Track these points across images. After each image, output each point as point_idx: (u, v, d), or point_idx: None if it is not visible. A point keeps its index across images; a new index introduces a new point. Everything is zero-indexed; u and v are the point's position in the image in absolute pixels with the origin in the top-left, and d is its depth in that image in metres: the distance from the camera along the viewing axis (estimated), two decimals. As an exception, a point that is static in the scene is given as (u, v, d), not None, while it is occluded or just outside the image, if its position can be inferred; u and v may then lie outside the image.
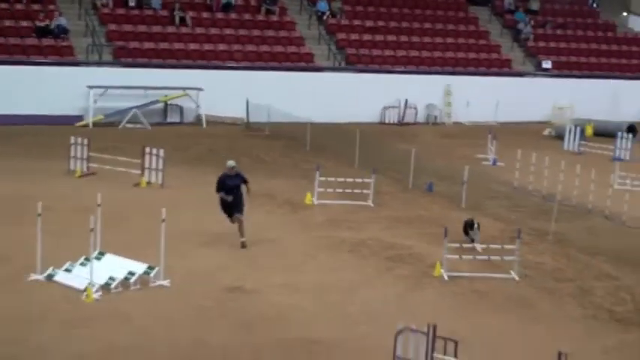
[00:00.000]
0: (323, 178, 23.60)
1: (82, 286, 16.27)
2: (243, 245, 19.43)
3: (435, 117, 39.06)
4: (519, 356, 14.26)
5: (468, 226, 20.47)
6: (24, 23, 34.94)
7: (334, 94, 36.18)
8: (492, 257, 18.62)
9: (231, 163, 19.65)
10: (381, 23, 41.35)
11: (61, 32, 34.96)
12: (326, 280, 17.82)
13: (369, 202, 23.62)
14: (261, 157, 29.44)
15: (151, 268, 16.94)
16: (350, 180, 23.85)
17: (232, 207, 19.46)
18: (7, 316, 15.05)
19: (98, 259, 17.01)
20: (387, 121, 38.11)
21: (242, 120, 34.74)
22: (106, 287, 16.37)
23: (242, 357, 14.07)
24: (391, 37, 40.79)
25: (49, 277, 16.76)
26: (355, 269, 18.67)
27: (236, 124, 34.61)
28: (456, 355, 13.15)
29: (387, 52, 40.12)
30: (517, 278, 18.06)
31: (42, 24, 34.81)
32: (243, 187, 19.82)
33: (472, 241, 20.23)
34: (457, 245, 18.66)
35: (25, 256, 17.00)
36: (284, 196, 24.08)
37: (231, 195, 19.40)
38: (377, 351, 13.86)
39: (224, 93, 34.24)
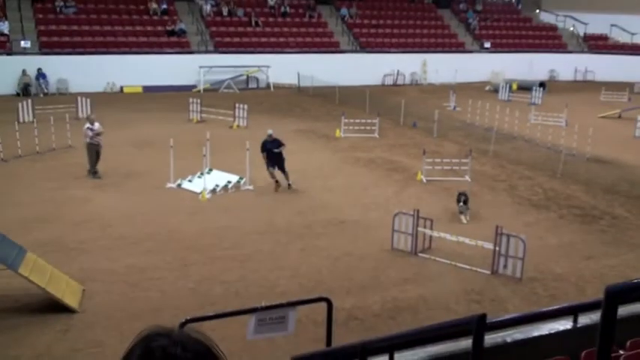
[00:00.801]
0: (347, 120, 23.37)
1: (198, 190, 16.34)
2: (290, 187, 16.77)
3: (417, 80, 38.37)
4: (472, 229, 14.16)
5: (462, 200, 14.99)
6: (159, 28, 34.61)
7: (352, 67, 35.63)
8: (454, 167, 18.43)
9: (269, 131, 17.06)
10: (381, 21, 40.52)
11: (182, 33, 34.62)
12: (349, 183, 17.77)
13: (376, 135, 23.38)
14: (307, 108, 29.19)
15: (241, 178, 16.94)
16: (363, 121, 23.63)
17: (274, 164, 16.72)
18: (155, 209, 15.22)
19: (208, 173, 17.05)
20: (385, 84, 37.52)
21: (295, 85, 34.35)
22: (213, 191, 16.42)
23: (298, 230, 14.12)
24: (388, 30, 40.01)
25: (178, 185, 16.84)
26: (367, 176, 18.60)
27: (291, 88, 34.24)
28: (431, 228, 13.10)
29: (386, 40, 39.37)
30: (469, 180, 17.88)
31: (170, 28, 34.48)
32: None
33: (460, 213, 14.96)
34: (431, 160, 18.44)
35: (163, 172, 17.08)
36: (322, 132, 23.93)
37: (272, 156, 16.67)
38: (383, 227, 13.84)
39: (284, 68, 33.85)
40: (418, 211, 12.89)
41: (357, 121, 23.54)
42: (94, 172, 17.37)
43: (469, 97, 29.15)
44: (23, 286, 10.22)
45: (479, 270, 12.10)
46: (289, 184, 16.88)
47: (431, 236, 13.04)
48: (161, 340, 1.73)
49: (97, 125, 17.50)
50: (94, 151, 17.38)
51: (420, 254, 12.81)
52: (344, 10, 39.97)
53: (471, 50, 41.05)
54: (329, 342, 7.08)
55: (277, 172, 16.69)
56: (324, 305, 7.65)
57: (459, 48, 40.66)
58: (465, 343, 4.39)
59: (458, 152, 20.66)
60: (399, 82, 37.93)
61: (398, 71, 37.88)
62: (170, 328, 1.78)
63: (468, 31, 42.47)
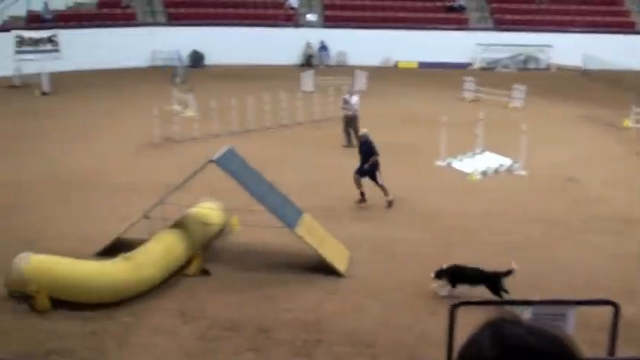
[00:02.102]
0: (638, 109, 21.30)
1: (468, 171, 16.22)
2: (389, 204, 13.82)
3: None
4: None
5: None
6: (438, 3, 34.75)
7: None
8: None
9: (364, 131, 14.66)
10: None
11: (461, 9, 34.42)
12: (634, 178, 16.29)
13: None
14: (591, 93, 27.20)
15: (515, 161, 16.46)
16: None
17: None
18: (422, 185, 15.40)
19: (480, 154, 16.83)
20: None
21: (580, 68, 32.29)
22: (484, 173, 16.18)
23: (573, 223, 13.36)
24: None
25: (448, 164, 16.85)
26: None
27: (575, 70, 32.24)
28: None
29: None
30: None
31: (449, 4, 34.48)
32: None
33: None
34: None
35: (433, 149, 17.18)
36: (607, 120, 22.07)
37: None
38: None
39: (567, 49, 31.88)
40: None
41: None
42: (347, 145, 17.97)
43: None
44: (299, 246, 11.05)
45: None
46: (388, 201, 13.83)
47: None
48: (515, 328, 1.71)
49: (354, 99, 18.20)
50: (346, 123, 18.12)
51: None
52: (645, -14, 36.53)
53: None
54: (612, 351, 6.59)
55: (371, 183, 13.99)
56: (598, 308, 7.15)
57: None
58: None
59: None
60: None
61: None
62: (517, 316, 1.77)
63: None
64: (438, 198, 14.58)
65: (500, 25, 34.21)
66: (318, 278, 10.69)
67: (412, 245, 12.04)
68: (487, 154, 16.91)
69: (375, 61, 32.01)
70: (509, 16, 34.59)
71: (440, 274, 10.04)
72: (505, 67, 32.55)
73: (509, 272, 9.77)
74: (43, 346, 8.79)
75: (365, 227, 12.86)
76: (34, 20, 29.85)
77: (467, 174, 16.10)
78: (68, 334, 9.03)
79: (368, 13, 33.99)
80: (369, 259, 11.49)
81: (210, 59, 31.38)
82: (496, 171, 16.28)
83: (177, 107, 20.62)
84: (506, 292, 9.65)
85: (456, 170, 16.46)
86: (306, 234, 11.00)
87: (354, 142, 17.19)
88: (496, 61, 32.68)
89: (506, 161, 16.53)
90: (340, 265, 10.95)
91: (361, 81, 26.15)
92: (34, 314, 9.43)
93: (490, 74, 30.40)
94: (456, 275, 9.96)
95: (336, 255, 11.16)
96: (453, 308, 5.71)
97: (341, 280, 10.67)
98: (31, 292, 9.43)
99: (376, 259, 11.51)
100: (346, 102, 18.30)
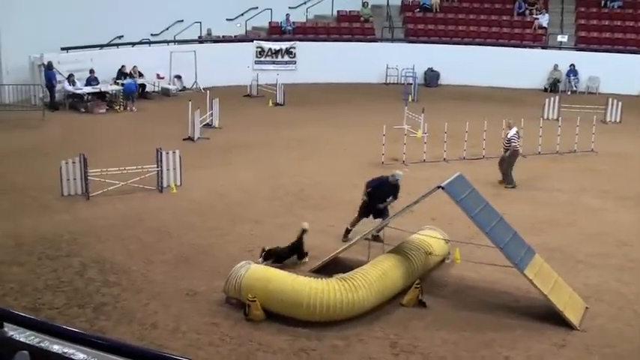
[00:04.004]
0: None
1: None
2: (376, 238, 12.18)
3: None
4: None
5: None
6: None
7: None
8: None
9: (399, 173, 13.22)
10: None
11: None
12: None
13: None
14: None
15: None
16: None
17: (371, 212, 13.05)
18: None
19: None
20: None
21: None
22: None
23: None
24: None
25: None
26: None
27: None
28: None
29: None
30: None
31: None
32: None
33: None
34: None
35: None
36: None
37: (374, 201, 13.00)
38: None
39: None
40: None
41: None
42: (507, 182, 16.82)
43: None
44: (526, 288, 10.58)
45: None
46: (375, 236, 12.25)
47: None
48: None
49: (512, 131, 16.97)
50: (507, 158, 16.95)
51: None
52: None
53: None
54: None
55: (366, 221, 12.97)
56: None
57: None
58: None
59: None
60: None
61: None
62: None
63: None
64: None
65: None
66: (546, 328, 10.14)
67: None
68: None
69: (632, 89, 29.88)
70: None
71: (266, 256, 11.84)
72: None
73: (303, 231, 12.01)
74: (252, 356, 9.27)
75: (608, 277, 11.97)
76: (275, 32, 32.00)
77: None
78: (278, 348, 9.44)
79: (629, 36, 31.92)
80: (611, 314, 10.67)
81: (446, 78, 31.37)
82: None
83: (406, 127, 20.84)
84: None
85: None
86: (537, 277, 10.50)
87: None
88: None
89: None
90: (573, 316, 10.29)
91: (615, 111, 24.57)
92: (248, 323, 10.00)
93: None
94: (274, 255, 11.87)
95: (569, 304, 10.51)
96: None
97: (573, 334, 10.02)
98: (246, 300, 10.02)
99: (619, 315, 10.65)
100: (519, 136, 17.17)
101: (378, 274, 10.55)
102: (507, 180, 16.97)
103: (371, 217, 13.02)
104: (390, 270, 10.81)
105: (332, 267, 11.25)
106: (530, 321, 10.35)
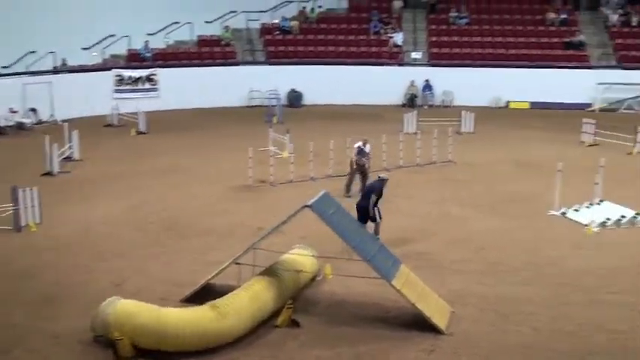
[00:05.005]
0: None
1: (585, 222, 15.58)
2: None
3: None
4: None
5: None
6: (555, 39, 34.01)
7: None
8: None
9: (382, 175, 15.05)
10: None
11: (581, 45, 33.52)
12: None
13: None
14: None
15: (638, 214, 15.68)
16: None
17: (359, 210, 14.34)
18: (533, 236, 14.97)
19: (599, 204, 16.16)
20: None
21: None
22: (602, 224, 15.47)
23: None
24: None
25: (563, 213, 16.25)
26: None
27: None
28: None
29: None
30: None
31: (568, 40, 33.65)
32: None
33: None
34: None
35: (546, 197, 16.67)
36: None
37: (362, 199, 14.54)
38: None
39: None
40: None
41: None
42: (346, 192, 17.52)
43: None
44: (394, 298, 10.86)
45: None
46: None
47: None
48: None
49: (367, 147, 17.83)
50: (357, 171, 17.71)
51: None
52: None
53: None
54: None
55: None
56: None
57: None
58: None
59: None
60: None
61: None
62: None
63: None
64: (551, 252, 14.05)
65: (625, 63, 33.07)
66: (416, 335, 10.43)
67: (521, 304, 11.57)
68: (606, 204, 16.20)
69: (483, 101, 31.54)
70: (634, 53, 33.40)
71: None
72: (629, 108, 31.31)
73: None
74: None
75: (470, 281, 12.51)
76: (134, 59, 31.38)
77: (583, 225, 15.46)
78: (151, 383, 9.18)
79: (476, 51, 33.71)
80: (475, 317, 11.12)
81: (308, 99, 31.92)
82: (617, 223, 15.54)
83: (272, 148, 20.99)
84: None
85: (571, 221, 15.84)
86: (404, 286, 10.81)
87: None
88: (619, 102, 31.51)
89: (629, 212, 15.76)
90: (440, 321, 10.67)
91: (468, 122, 25.84)
92: (118, 361, 9.66)
93: (612, 116, 29.34)
94: None
95: (436, 310, 10.89)
96: None
97: (441, 338, 10.37)
98: (114, 337, 9.68)
99: (482, 317, 11.11)
100: (361, 149, 17.91)
101: (249, 298, 10.50)
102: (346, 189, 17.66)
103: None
104: (262, 292, 10.78)
105: (204, 294, 11.09)
106: (400, 330, 10.62)
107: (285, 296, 11.07)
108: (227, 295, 10.50)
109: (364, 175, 17.71)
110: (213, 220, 15.80)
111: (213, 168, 20.52)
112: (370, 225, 14.16)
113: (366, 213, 14.17)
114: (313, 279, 12.35)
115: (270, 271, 11.39)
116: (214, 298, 10.44)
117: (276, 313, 10.84)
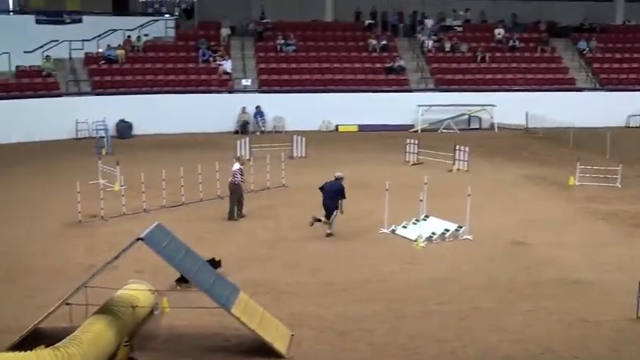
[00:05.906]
0: (582, 166, 22.17)
1: (413, 237, 16.38)
2: (328, 235, 16.66)
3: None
4: None
5: None
6: (377, 65, 35.68)
7: (590, 107, 33.84)
8: None
9: (337, 174, 17.09)
10: (626, 55, 38.30)
11: (401, 70, 35.39)
12: (583, 238, 16.83)
13: (617, 184, 21.86)
14: (536, 152, 28.26)
15: (460, 226, 16.72)
16: (602, 168, 22.28)
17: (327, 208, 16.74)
18: (366, 255, 15.53)
19: (424, 220, 17.05)
20: (630, 126, 35.11)
21: (523, 126, 33.41)
22: (429, 239, 16.36)
23: (524, 288, 13.58)
24: (635, 65, 37.66)
25: (392, 231, 17.00)
26: (606, 232, 17.48)
27: (518, 129, 33.34)
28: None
29: (631, 76, 37.10)
30: None
31: (389, 65, 35.41)
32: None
33: None
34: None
35: (377, 216, 17.38)
36: (553, 179, 22.96)
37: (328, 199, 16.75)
38: (625, 291, 12.86)
39: (510, 108, 33.18)
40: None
41: (595, 167, 22.27)
42: (237, 214, 18.09)
43: None
44: (234, 326, 10.87)
45: None
46: (328, 233, 16.75)
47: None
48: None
49: (235, 166, 18.35)
50: (240, 193, 18.25)
51: (673, 327, 11.66)
52: (582, 44, 38.34)
53: None
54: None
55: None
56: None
57: None
58: None
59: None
60: (646, 123, 35.44)
61: (648, 110, 35.41)
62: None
63: None
64: (384, 268, 14.64)
65: (441, 86, 35.30)
66: (257, 362, 10.50)
67: (357, 321, 11.96)
68: (432, 219, 17.13)
69: (313, 125, 32.46)
70: (449, 76, 35.75)
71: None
72: (448, 127, 33.38)
73: None
74: None
75: (308, 303, 12.75)
76: (-53, 92, 29.36)
77: (412, 241, 16.26)
78: None
79: (305, 76, 34.63)
80: (314, 338, 11.35)
81: (139, 129, 31.25)
82: (442, 236, 16.49)
83: (102, 181, 20.35)
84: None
85: (401, 237, 16.61)
86: (244, 314, 10.85)
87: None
88: (439, 122, 33.50)
89: (452, 226, 16.78)
90: (281, 345, 10.79)
91: (300, 147, 26.41)
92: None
93: (433, 136, 31.15)
94: None
95: (277, 335, 11.01)
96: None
97: (282, 362, 10.50)
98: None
99: (321, 337, 11.37)
100: (242, 171, 18.42)
101: (91, 338, 10.07)
102: (230, 214, 17.91)
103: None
104: (103, 331, 10.38)
105: (34, 340, 10.51)
106: (242, 358, 10.64)
107: (125, 333, 10.74)
108: (68, 337, 10.00)
109: (241, 195, 18.20)
110: (41, 260, 15.04)
111: (39, 205, 19.54)
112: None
113: (333, 209, 16.60)
114: (151, 313, 12.10)
115: (107, 309, 11.02)
116: (45, 343, 9.93)
117: (113, 354, 10.49)
